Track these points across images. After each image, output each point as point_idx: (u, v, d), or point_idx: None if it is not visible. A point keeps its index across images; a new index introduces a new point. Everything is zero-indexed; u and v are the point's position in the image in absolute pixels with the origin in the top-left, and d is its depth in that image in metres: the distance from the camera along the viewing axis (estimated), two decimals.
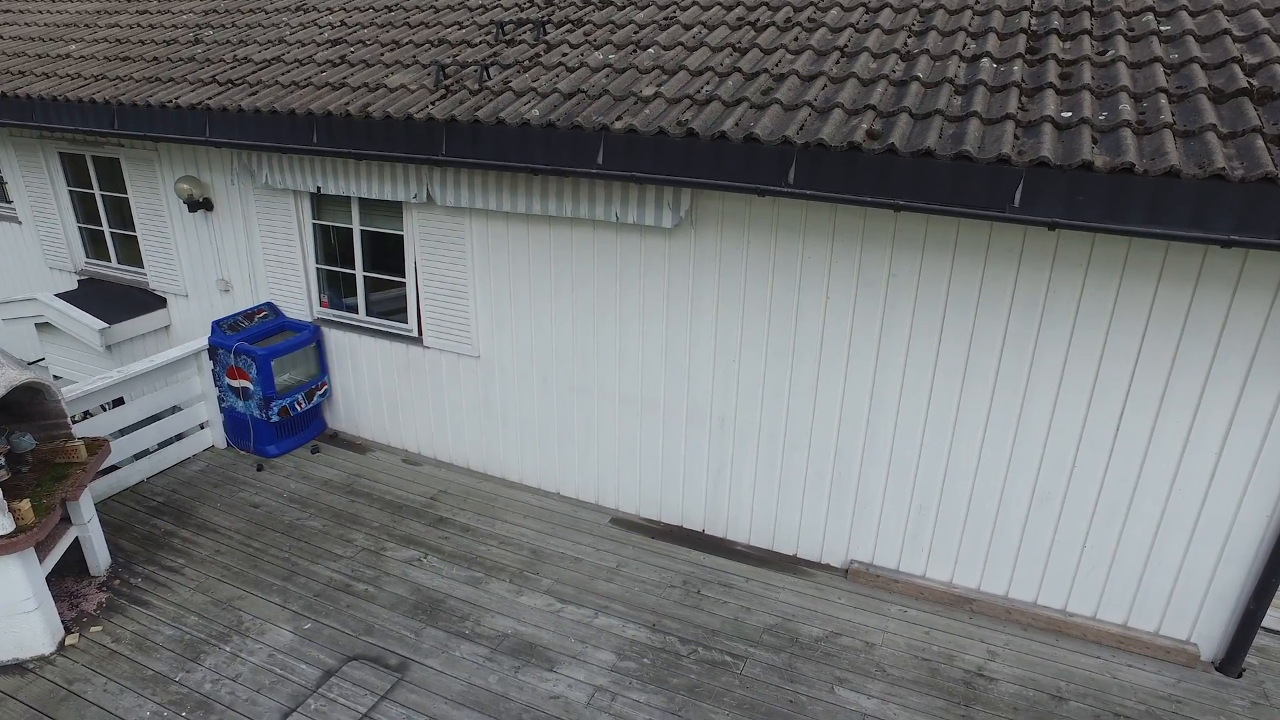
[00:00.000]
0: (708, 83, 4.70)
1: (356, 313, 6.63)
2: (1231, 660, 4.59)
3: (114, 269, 8.03)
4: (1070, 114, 3.87)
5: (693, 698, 4.31)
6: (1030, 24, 4.77)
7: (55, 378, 7.87)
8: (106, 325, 7.13)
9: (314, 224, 6.51)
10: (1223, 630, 4.62)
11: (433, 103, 5.09)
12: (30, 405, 4.78)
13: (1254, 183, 3.29)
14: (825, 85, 4.47)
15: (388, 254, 6.32)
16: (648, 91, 4.65)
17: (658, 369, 5.48)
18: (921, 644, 4.76)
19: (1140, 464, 4.44)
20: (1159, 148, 3.54)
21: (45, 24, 8.52)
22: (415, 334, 6.38)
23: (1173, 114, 3.75)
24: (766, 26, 5.31)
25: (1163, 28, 4.46)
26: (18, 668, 4.41)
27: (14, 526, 4.15)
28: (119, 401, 6.62)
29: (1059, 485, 4.65)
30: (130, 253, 7.84)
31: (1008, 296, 4.40)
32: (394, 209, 6.07)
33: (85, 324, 7.09)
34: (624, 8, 6.07)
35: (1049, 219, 3.65)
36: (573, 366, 5.79)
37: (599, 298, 5.49)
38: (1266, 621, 4.73)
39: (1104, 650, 4.75)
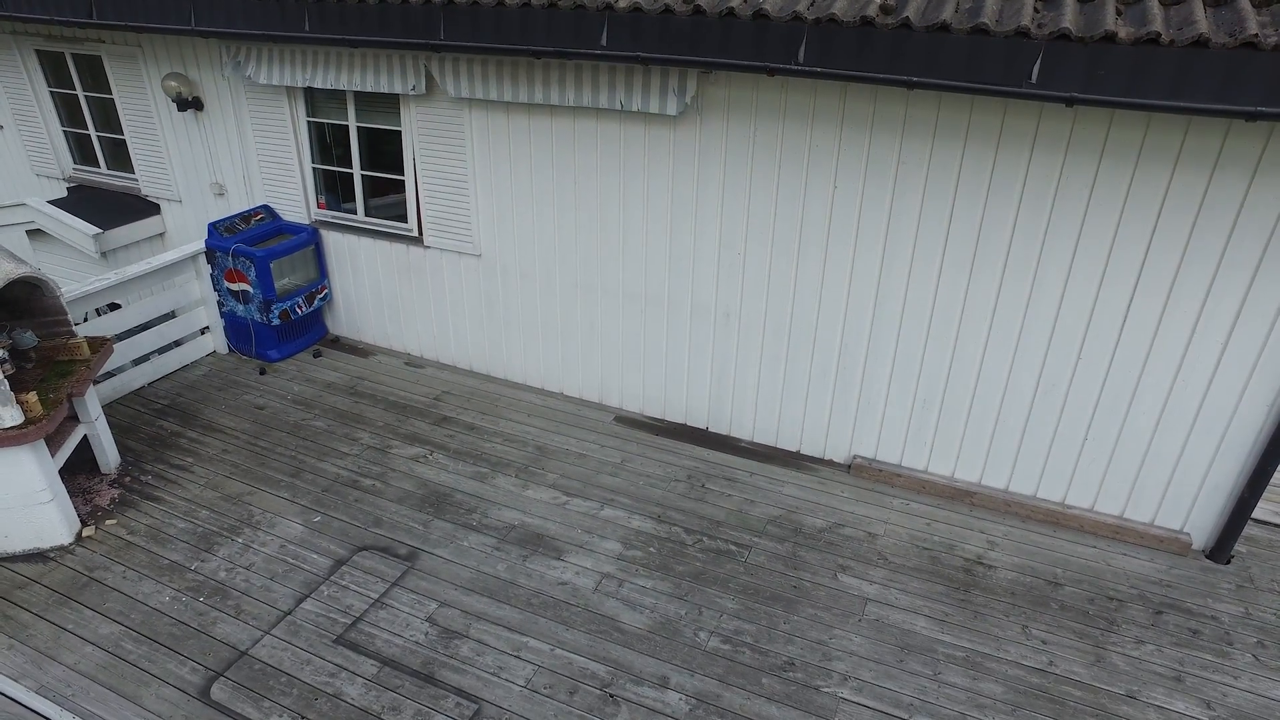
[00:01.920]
0: None
1: (355, 214, 6.51)
2: (1221, 548, 4.70)
3: (104, 175, 7.84)
4: None
5: (698, 583, 4.42)
6: None
7: None
8: (100, 231, 7.01)
9: (309, 122, 6.32)
10: (1215, 520, 4.71)
11: None
12: (30, 302, 4.73)
13: None
14: None
15: (386, 153, 6.17)
16: None
17: (662, 264, 5.42)
18: (923, 534, 4.86)
19: (1145, 355, 4.43)
20: (1187, 17, 3.40)
21: None
22: (415, 234, 6.28)
23: None
24: None
25: None
26: (39, 556, 4.50)
27: (23, 418, 4.16)
28: (115, 307, 6.58)
29: (1063, 377, 4.65)
30: (120, 158, 7.64)
31: (1019, 184, 4.30)
32: (391, 104, 5.88)
33: (78, 230, 6.97)
34: None
35: (1067, 94, 3.53)
36: (575, 263, 5.72)
37: (602, 191, 5.38)
38: (1255, 513, 4.82)
39: (1100, 540, 4.85)
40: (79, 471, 5.12)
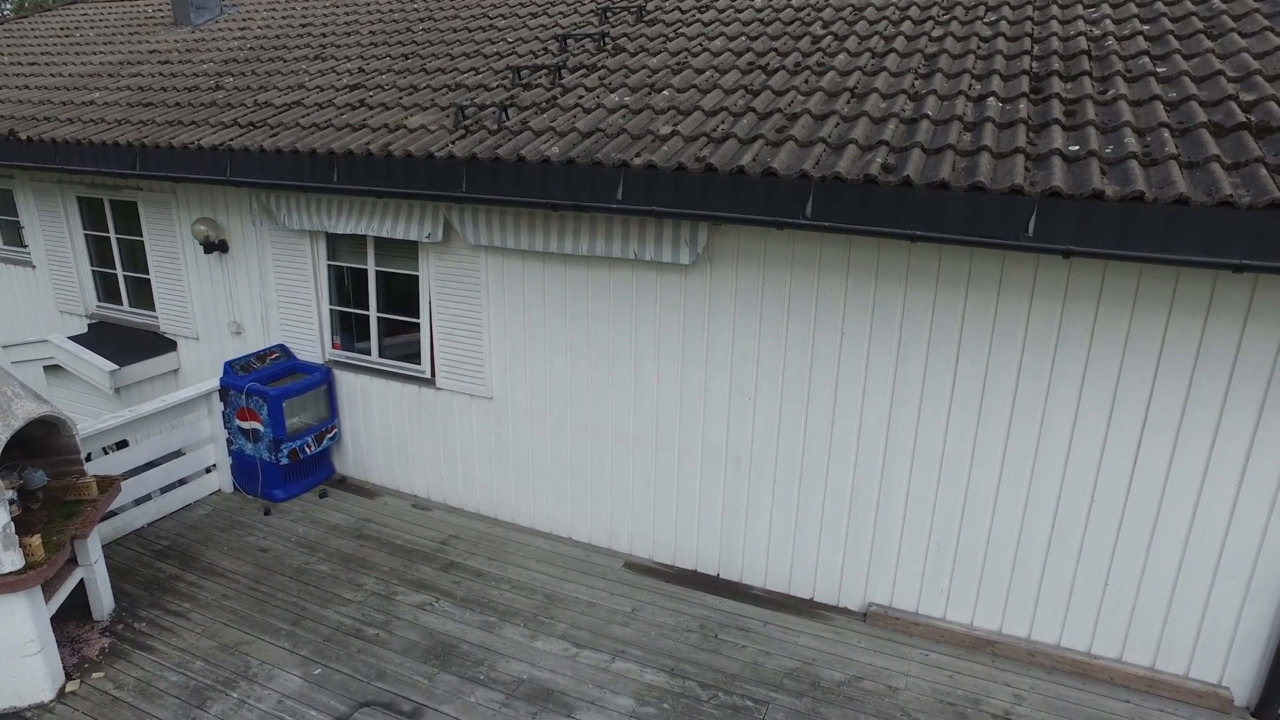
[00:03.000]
0: (723, 122, 4.82)
1: (369, 354, 6.64)
2: (1267, 704, 4.45)
3: (125, 312, 8.07)
4: (1078, 147, 3.97)
5: None
6: (1032, 66, 4.92)
7: None
8: (117, 367, 7.13)
9: (329, 265, 6.57)
10: (1255, 673, 4.50)
11: (453, 142, 5.20)
12: (45, 440, 4.74)
13: (1262, 209, 3.37)
14: (838, 123, 4.59)
15: (402, 295, 6.37)
16: (665, 130, 4.77)
17: (672, 409, 5.47)
18: (946, 688, 4.64)
19: (1160, 497, 4.40)
20: (1166, 177, 3.62)
21: (70, 74, 8.73)
22: (428, 375, 6.38)
23: (1177, 146, 3.85)
24: (777, 70, 5.47)
25: (1159, 69, 4.61)
26: (15, 717, 4.26)
27: (23, 563, 4.07)
28: (122, 445, 6.58)
29: (1078, 520, 4.60)
30: (142, 296, 7.89)
31: (1021, 330, 4.43)
32: (409, 249, 6.13)
33: (95, 365, 7.09)
34: (636, 54, 6.26)
35: (1063, 247, 3.70)
36: (586, 407, 5.78)
37: (614, 338, 5.51)
38: None
39: (1133, 694, 4.63)
40: (69, 618, 4.94)
